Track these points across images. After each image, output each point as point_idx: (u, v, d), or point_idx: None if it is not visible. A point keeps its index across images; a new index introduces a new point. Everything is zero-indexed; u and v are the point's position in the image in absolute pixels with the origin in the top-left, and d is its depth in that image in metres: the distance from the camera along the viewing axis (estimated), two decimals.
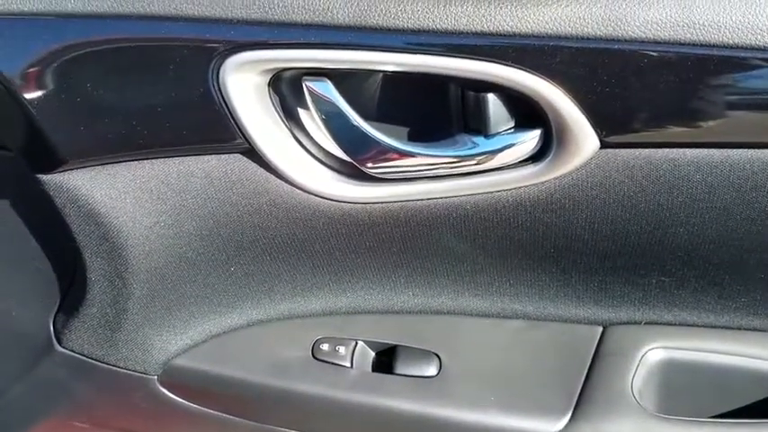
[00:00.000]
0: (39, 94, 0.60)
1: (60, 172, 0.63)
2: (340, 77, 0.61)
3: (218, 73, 0.60)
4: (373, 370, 0.75)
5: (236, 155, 0.65)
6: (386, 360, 0.75)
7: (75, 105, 0.61)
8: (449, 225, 0.68)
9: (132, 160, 0.64)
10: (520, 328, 0.75)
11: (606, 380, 0.69)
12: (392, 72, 0.60)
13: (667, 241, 0.65)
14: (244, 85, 0.61)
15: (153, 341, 0.75)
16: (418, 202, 0.66)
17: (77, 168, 0.64)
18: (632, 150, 0.60)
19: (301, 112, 0.65)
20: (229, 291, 0.76)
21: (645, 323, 0.73)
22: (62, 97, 0.60)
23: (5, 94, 0.60)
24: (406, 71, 0.59)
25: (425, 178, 0.64)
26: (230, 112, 0.61)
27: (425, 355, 0.73)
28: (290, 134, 0.65)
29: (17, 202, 0.73)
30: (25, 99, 0.60)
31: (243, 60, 0.59)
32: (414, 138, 0.65)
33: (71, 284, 0.76)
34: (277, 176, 0.66)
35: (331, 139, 0.63)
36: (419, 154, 0.63)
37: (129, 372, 0.76)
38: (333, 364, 0.74)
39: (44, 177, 0.64)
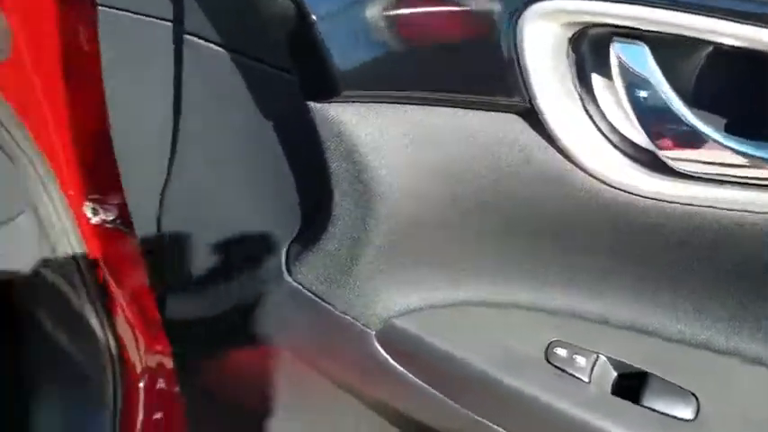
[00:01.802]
0: (331, 21, 0.58)
1: (331, 103, 0.61)
2: (659, 45, 0.51)
3: (516, 20, 0.53)
4: (613, 392, 0.65)
5: (511, 115, 0.58)
6: (628, 385, 0.64)
7: (366, 38, 0.58)
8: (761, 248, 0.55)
9: (403, 103, 0.61)
10: None
11: None
12: (730, 47, 0.48)
13: None
14: (542, 36, 0.53)
15: (380, 295, 0.72)
16: (727, 212, 0.54)
17: (348, 102, 0.61)
18: None
19: (600, 79, 0.55)
20: (468, 264, 0.69)
21: None
22: (354, 27, 0.58)
23: (298, 17, 0.58)
24: (749, 48, 0.47)
25: (747, 185, 0.52)
26: (519, 65, 0.54)
27: (681, 392, 0.62)
28: (580, 103, 0.56)
29: (281, 126, 0.72)
30: (316, 24, 0.58)
31: (547, 9, 0.52)
32: (741, 133, 0.52)
33: (312, 217, 0.75)
34: (555, 148, 0.58)
35: (633, 118, 0.53)
36: (746, 154, 0.50)
37: (350, 320, 0.73)
38: (568, 373, 0.65)
39: (315, 106, 0.62)
